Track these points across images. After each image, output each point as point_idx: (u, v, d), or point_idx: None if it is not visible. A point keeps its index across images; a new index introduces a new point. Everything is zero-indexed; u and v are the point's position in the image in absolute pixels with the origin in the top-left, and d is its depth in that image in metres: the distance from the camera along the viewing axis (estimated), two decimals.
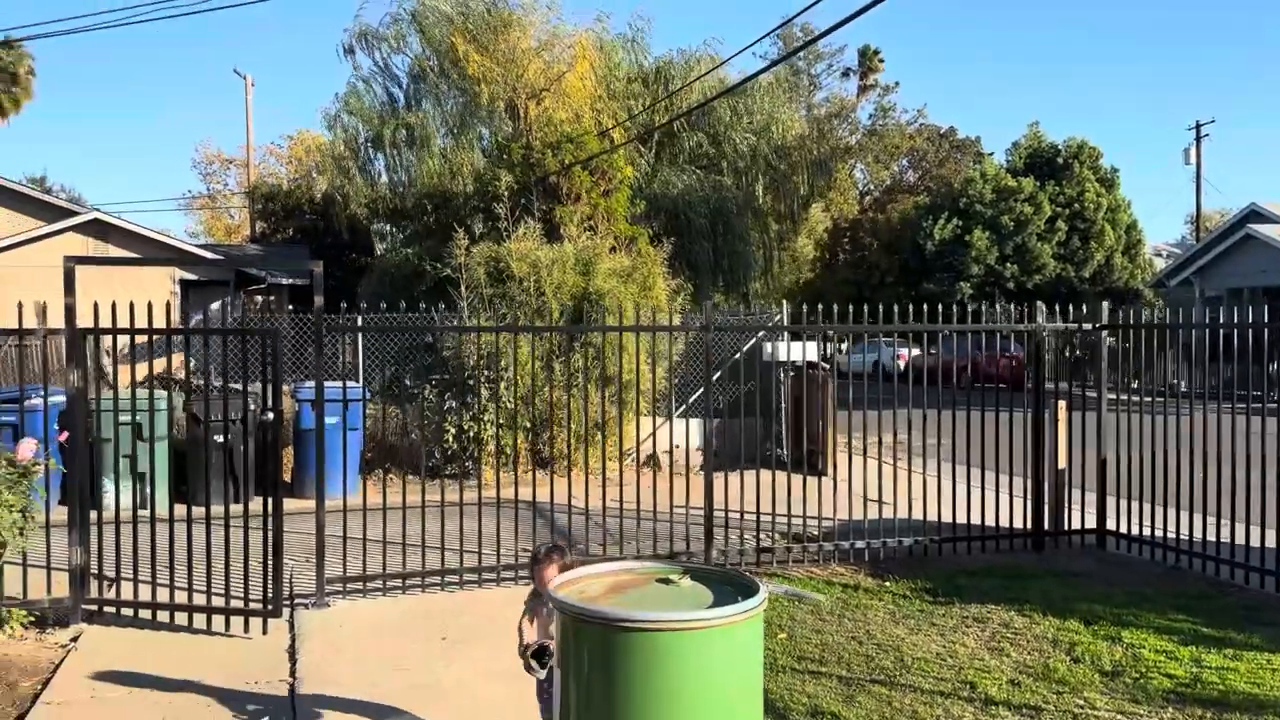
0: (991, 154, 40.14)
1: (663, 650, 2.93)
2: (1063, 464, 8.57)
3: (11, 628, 5.97)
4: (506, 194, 15.27)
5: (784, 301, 8.74)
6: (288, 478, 10.84)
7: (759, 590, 3.17)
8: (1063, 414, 8.57)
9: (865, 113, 44.82)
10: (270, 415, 6.09)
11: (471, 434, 11.48)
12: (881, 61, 49.24)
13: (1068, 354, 8.93)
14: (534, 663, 3.69)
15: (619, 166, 18.27)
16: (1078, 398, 8.95)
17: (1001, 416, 8.34)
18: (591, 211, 16.79)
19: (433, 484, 10.37)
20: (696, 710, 2.97)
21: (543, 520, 8.74)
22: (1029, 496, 8.50)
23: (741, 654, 3.07)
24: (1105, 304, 8.90)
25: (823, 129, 30.80)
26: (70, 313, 6.10)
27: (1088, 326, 8.73)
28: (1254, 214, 28.98)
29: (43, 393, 8.55)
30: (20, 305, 6.14)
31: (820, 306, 8.18)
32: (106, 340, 6.39)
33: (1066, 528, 8.52)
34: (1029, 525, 8.46)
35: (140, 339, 6.26)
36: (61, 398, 9.30)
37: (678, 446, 12.65)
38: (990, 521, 8.39)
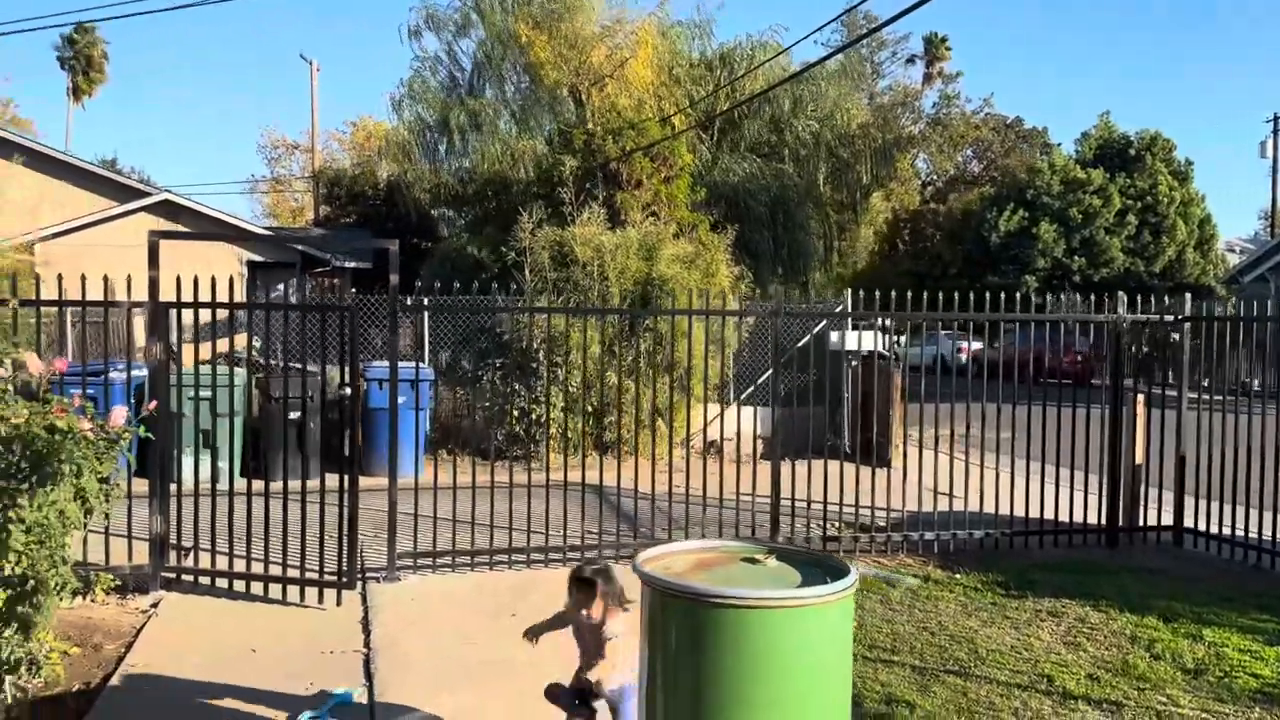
0: (1059, 145, 39.30)
1: (754, 628, 2.91)
2: (1140, 459, 8.36)
3: (94, 593, 6.13)
4: (571, 178, 15.28)
5: (846, 290, 8.61)
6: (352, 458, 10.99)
7: (850, 571, 3.13)
8: (1140, 408, 8.36)
9: (929, 101, 44.18)
10: (348, 390, 6.16)
11: (534, 417, 11.54)
12: (948, 49, 48.51)
13: (1138, 349, 8.66)
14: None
15: (680, 153, 18.20)
16: (1151, 394, 8.72)
17: (1071, 412, 8.16)
18: (652, 198, 16.75)
19: (496, 466, 10.43)
20: (786, 690, 2.94)
21: (605, 505, 8.76)
22: (1104, 492, 8.33)
23: (833, 635, 3.03)
24: (1188, 296, 8.65)
25: (886, 117, 30.36)
26: (154, 285, 6.23)
27: (1169, 318, 8.49)
28: None
29: (120, 366, 8.77)
30: (106, 279, 6.27)
31: (893, 294, 8.05)
32: (184, 316, 6.52)
33: (1142, 524, 8.32)
34: (1103, 521, 8.28)
35: (219, 314, 6.38)
36: (139, 371, 9.53)
37: (737, 434, 12.62)
38: (1062, 517, 8.22)
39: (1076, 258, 31.47)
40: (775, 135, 22.26)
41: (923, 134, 41.12)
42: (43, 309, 6.26)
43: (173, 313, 6.33)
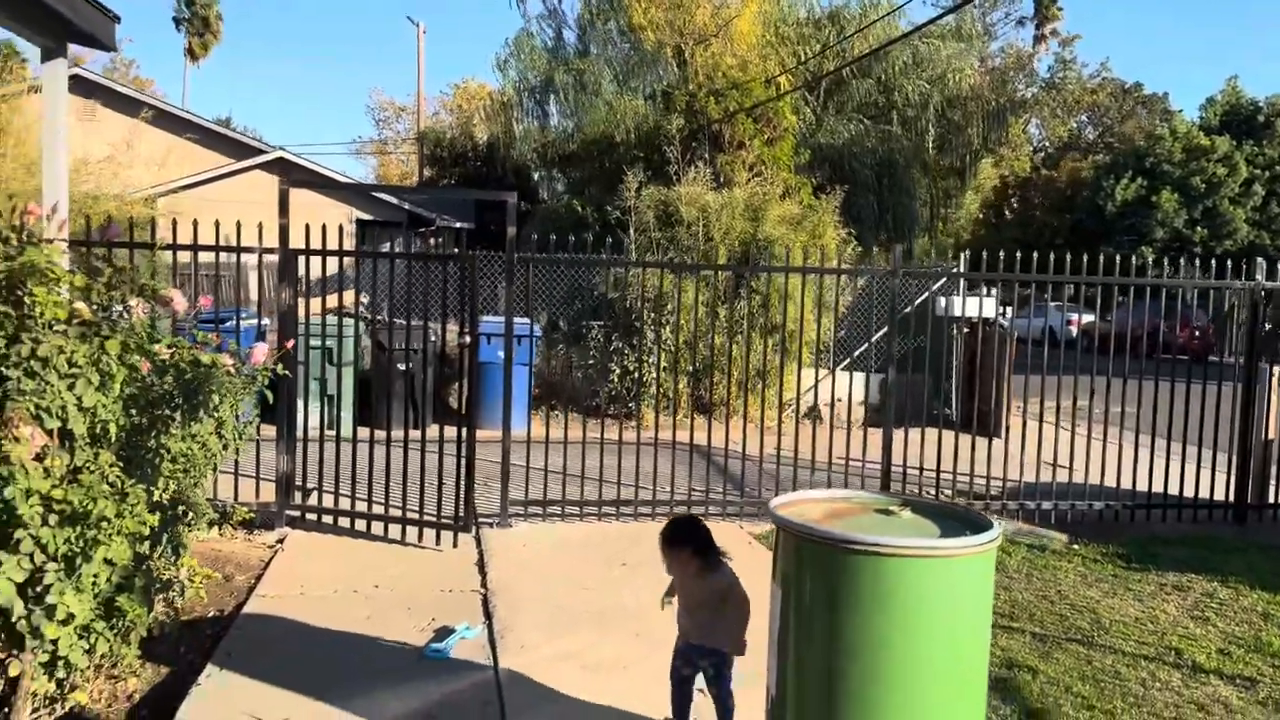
0: (1180, 111, 37.53)
1: (896, 577, 2.86)
2: (1273, 434, 7.98)
3: (226, 527, 6.40)
4: (677, 137, 15.18)
5: (961, 254, 8.34)
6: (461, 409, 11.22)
7: (993, 525, 3.05)
8: (1276, 382, 7.96)
9: (1043, 65, 42.59)
10: (467, 339, 6.26)
11: (635, 376, 11.58)
12: (1059, 10, 46.53)
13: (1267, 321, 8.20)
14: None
15: (784, 114, 17.91)
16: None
17: (1186, 388, 7.84)
18: (755, 160, 16.54)
19: (595, 422, 10.53)
20: (925, 642, 2.89)
21: (708, 465, 8.76)
22: (1232, 467, 7.98)
23: (975, 588, 2.97)
24: None
25: (999, 80, 29.35)
26: (284, 233, 6.41)
27: None
28: None
29: (244, 314, 9.08)
30: (239, 225, 6.47)
31: (1017, 254, 7.80)
32: (307, 266, 6.69)
33: (1273, 501, 7.96)
34: (1230, 497, 7.95)
35: (333, 267, 6.54)
36: (253, 321, 9.87)
37: (840, 400, 12.45)
38: (1186, 493, 7.91)
39: (1198, 229, 30.08)
40: (883, 96, 21.72)
41: (1035, 98, 39.70)
42: (171, 254, 6.52)
43: (300, 259, 6.50)
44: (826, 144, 20.25)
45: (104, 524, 3.14)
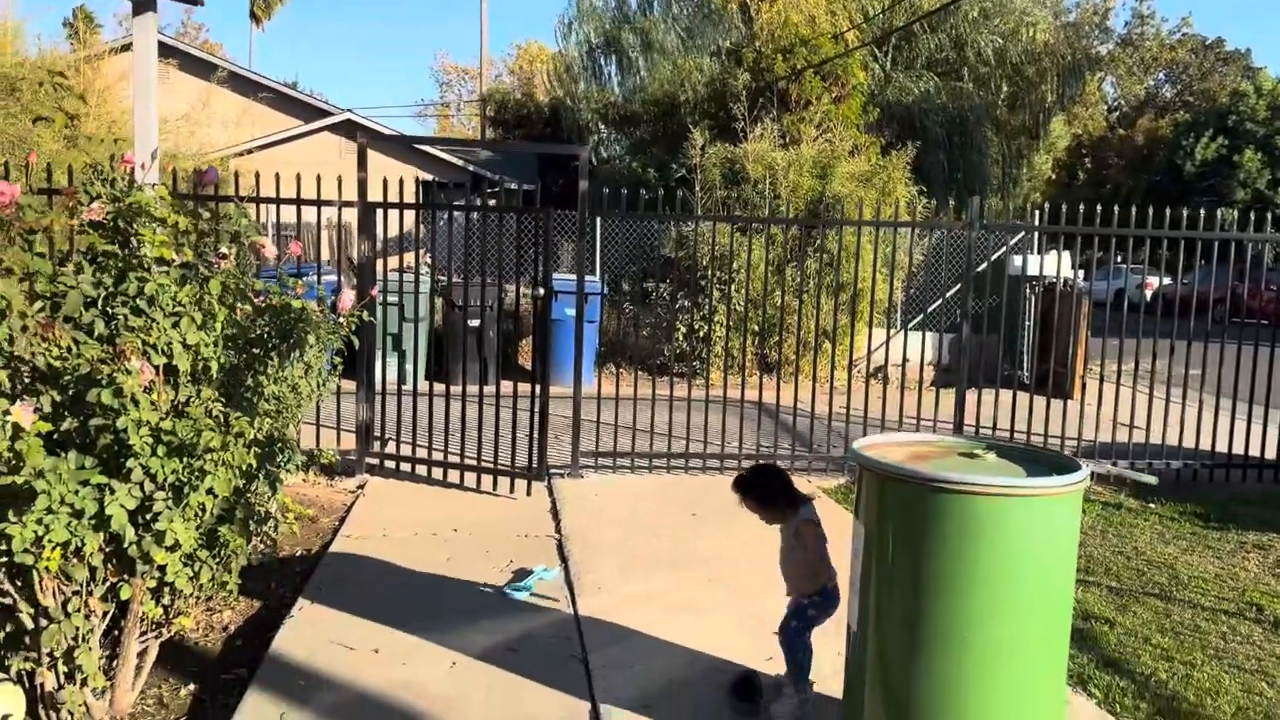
0: (1264, 68, 36.08)
1: (984, 516, 2.87)
2: None
3: (311, 473, 6.60)
4: (744, 93, 15.03)
5: (1040, 207, 8.17)
6: (529, 365, 11.37)
7: (1080, 467, 3.04)
8: None
9: (1119, 21, 41.21)
10: (541, 291, 6.33)
11: (700, 334, 11.60)
12: None
13: None
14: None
15: (853, 71, 17.61)
16: None
17: (1271, 351, 7.63)
18: (822, 119, 16.33)
19: (661, 380, 10.60)
20: (1012, 582, 2.90)
21: (775, 422, 8.79)
22: None
23: (1062, 528, 2.98)
24: None
25: (1072, 35, 28.44)
26: (363, 186, 6.53)
27: None
28: None
29: (327, 270, 9.27)
30: (319, 178, 6.60)
31: (1097, 207, 7.63)
32: (385, 218, 6.80)
33: None
34: None
35: (409, 223, 6.64)
36: (330, 276, 10.07)
37: (909, 360, 12.33)
38: (1268, 454, 7.73)
39: None
40: (954, 51, 21.23)
41: (1111, 55, 38.44)
42: (255, 209, 6.68)
43: (379, 212, 6.62)
44: (895, 101, 19.90)
45: (209, 455, 3.27)
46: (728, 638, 4.17)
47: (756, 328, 10.75)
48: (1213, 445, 7.80)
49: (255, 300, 4.08)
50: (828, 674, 3.63)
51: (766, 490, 3.61)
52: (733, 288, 11.07)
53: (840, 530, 3.59)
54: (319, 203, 6.59)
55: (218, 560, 3.60)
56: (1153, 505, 6.94)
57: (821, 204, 12.43)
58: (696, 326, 11.63)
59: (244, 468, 3.56)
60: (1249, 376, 7.61)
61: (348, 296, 4.45)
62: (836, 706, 3.44)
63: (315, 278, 7.07)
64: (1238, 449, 7.75)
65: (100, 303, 3.30)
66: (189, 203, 5.76)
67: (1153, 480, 6.51)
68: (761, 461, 7.11)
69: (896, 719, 3.00)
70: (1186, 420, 7.84)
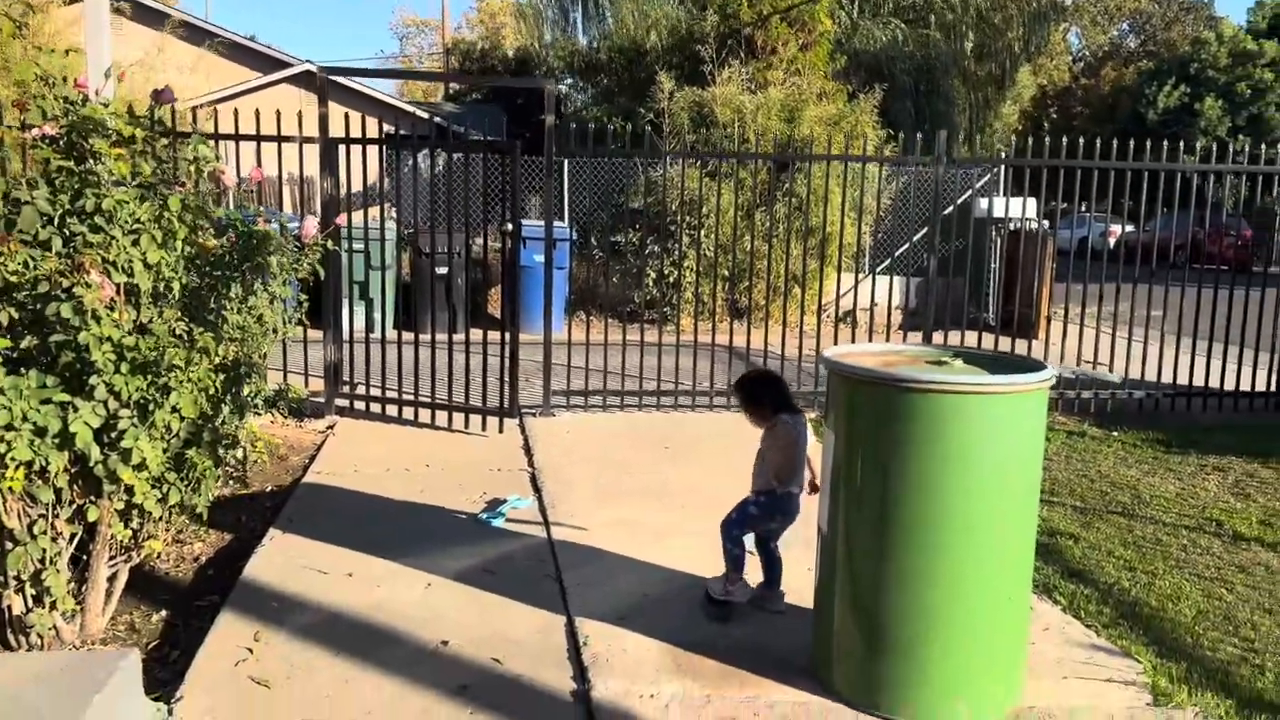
0: (1226, 17, 36.27)
1: (950, 413, 2.90)
2: None
3: (276, 414, 6.54)
4: (711, 35, 14.87)
5: (1003, 149, 8.22)
6: (498, 315, 11.31)
7: (1045, 367, 3.08)
8: None
9: None
10: (510, 226, 6.28)
11: (670, 280, 11.57)
12: None
13: None
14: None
15: (819, 18, 17.48)
16: None
17: (1229, 293, 7.77)
18: (789, 66, 16.22)
19: (631, 327, 10.58)
20: (978, 478, 2.94)
21: (744, 365, 8.79)
22: (1275, 356, 7.92)
23: (1028, 425, 3.01)
24: None
25: None
26: (324, 121, 6.43)
27: None
28: None
29: (290, 217, 9.13)
30: (278, 113, 6.49)
31: (1063, 139, 7.65)
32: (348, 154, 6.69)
33: None
34: (1273, 387, 7.90)
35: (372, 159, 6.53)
36: (294, 224, 9.92)
37: (877, 304, 12.40)
38: (1227, 385, 7.87)
39: (1241, 137, 29.25)
40: None
41: (1076, 4, 38.45)
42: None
43: (340, 149, 6.51)
44: (862, 49, 19.79)
45: (174, 372, 3.23)
46: (700, 557, 4.20)
47: (726, 273, 10.74)
48: (1174, 377, 7.92)
49: (216, 225, 4.02)
50: (800, 587, 3.67)
51: (757, 390, 3.66)
52: (702, 233, 11.04)
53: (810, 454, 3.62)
54: (279, 139, 6.48)
55: (187, 483, 3.57)
56: (1116, 433, 7.05)
57: (790, 146, 12.40)
58: (666, 272, 11.60)
59: (210, 390, 3.52)
60: (1212, 316, 7.72)
61: (311, 224, 4.40)
62: (809, 617, 3.48)
63: (281, 216, 6.99)
64: (1198, 381, 7.88)
65: (57, 221, 3.23)
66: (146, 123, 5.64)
67: (1116, 379, 6.62)
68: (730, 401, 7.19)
69: (865, 620, 3.05)
70: (1149, 356, 7.97)
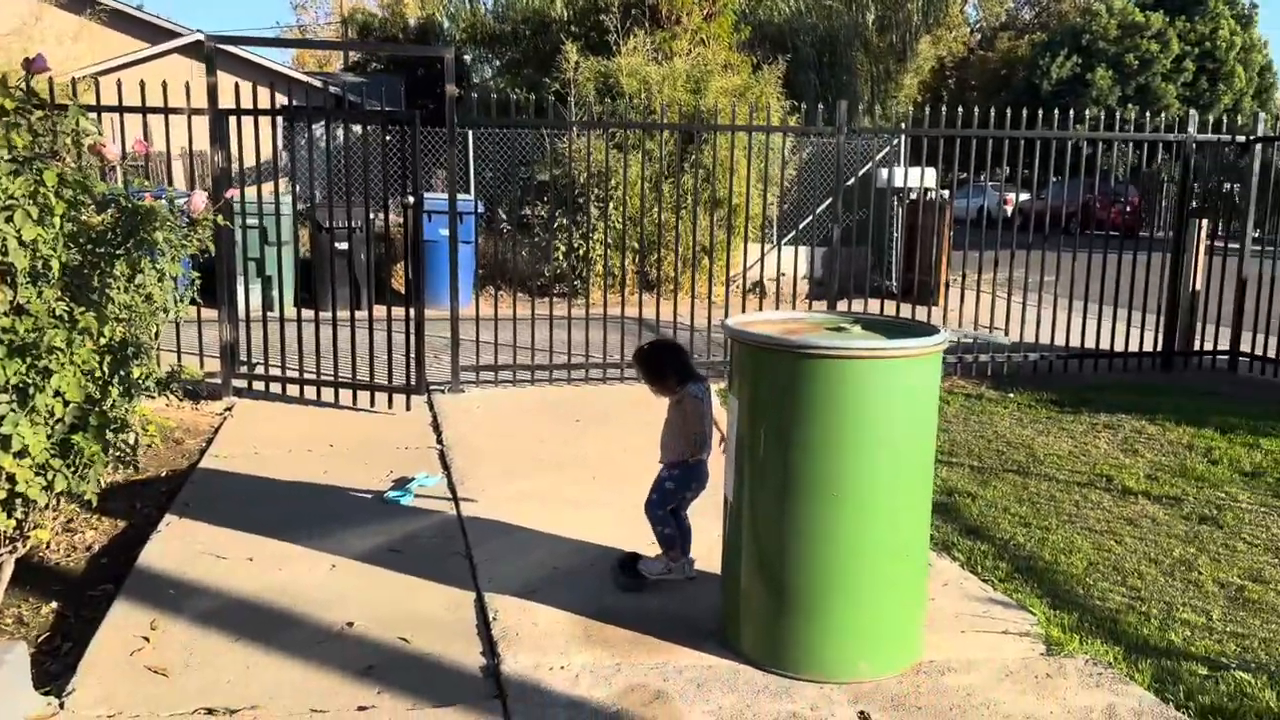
0: None
1: (849, 377, 2.95)
2: (1198, 286, 8.26)
3: (170, 396, 6.32)
4: (616, 3, 14.76)
5: (903, 120, 8.39)
6: (404, 291, 11.11)
7: (938, 331, 3.15)
8: (1203, 234, 8.21)
9: None
10: (411, 199, 6.15)
11: (580, 253, 11.53)
12: None
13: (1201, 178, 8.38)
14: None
15: None
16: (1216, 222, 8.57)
17: (1119, 257, 8.10)
18: (694, 35, 16.22)
19: (542, 301, 10.51)
20: (876, 438, 3.00)
21: (655, 335, 8.82)
22: (1162, 314, 8.29)
23: (923, 386, 3.08)
24: (1260, 115, 8.36)
25: None
26: (212, 91, 6.19)
27: (1241, 139, 8.23)
28: None
29: (179, 194, 8.80)
30: (165, 84, 6.23)
31: (959, 109, 7.82)
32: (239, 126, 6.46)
33: (1198, 349, 8.30)
34: (1159, 347, 8.26)
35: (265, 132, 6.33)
36: (182, 201, 9.57)
37: (784, 274, 12.56)
38: (1117, 347, 8.21)
39: (1130, 106, 30.38)
40: None
41: None
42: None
43: (231, 120, 6.29)
44: (766, 20, 19.93)
45: (55, 355, 3.09)
46: (611, 528, 4.21)
47: (636, 245, 10.73)
48: (1066, 340, 8.22)
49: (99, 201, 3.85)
50: (706, 553, 3.70)
51: (658, 360, 3.65)
52: (611, 205, 11.00)
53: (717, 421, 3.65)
54: (165, 110, 6.22)
55: (73, 470, 3.42)
56: (1012, 395, 7.29)
57: (697, 117, 12.42)
58: (576, 245, 11.54)
59: (95, 372, 3.38)
60: (1102, 280, 8.02)
61: (199, 198, 4.25)
62: (719, 582, 3.52)
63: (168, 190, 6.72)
64: (1089, 343, 8.19)
65: None
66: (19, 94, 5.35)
67: (1006, 340, 6.84)
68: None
69: (770, 582, 3.10)
70: (1043, 320, 8.24)
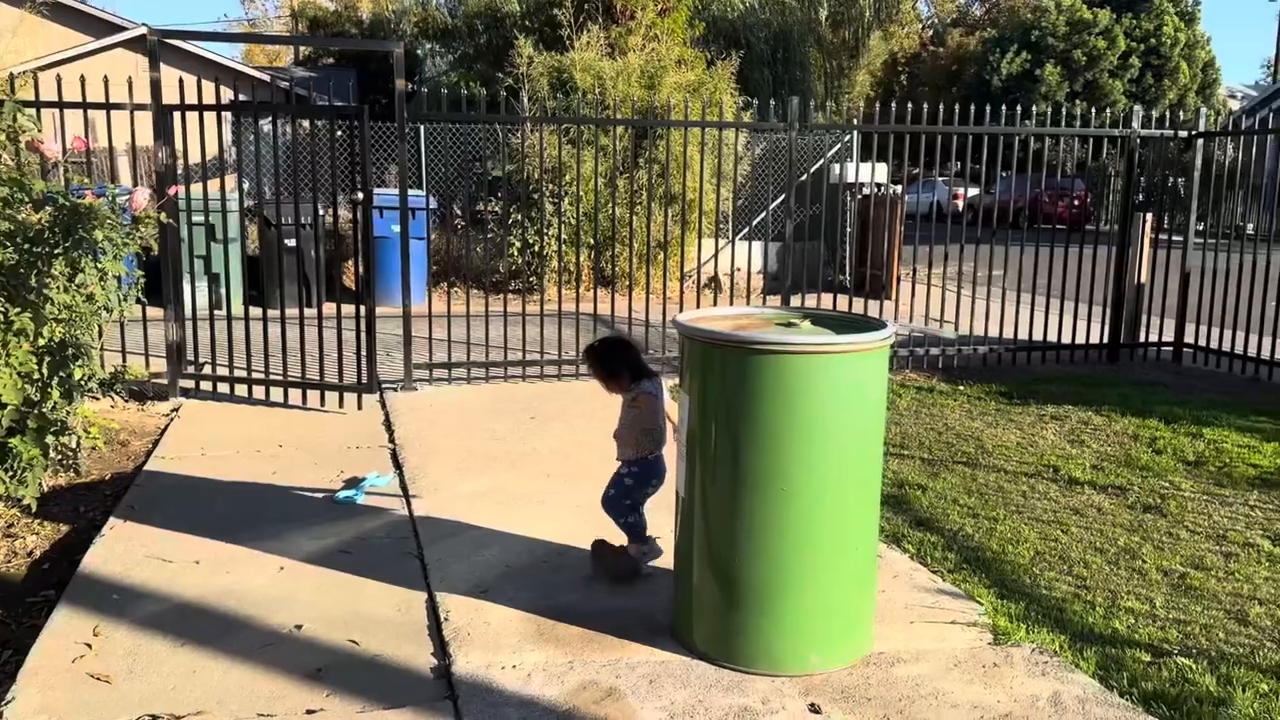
0: None
1: (798, 372, 2.97)
2: (1143, 279, 8.43)
3: (115, 397, 6.20)
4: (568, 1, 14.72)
5: (854, 116, 8.49)
6: (354, 286, 10.98)
7: (886, 325, 3.18)
8: (1148, 228, 8.37)
9: None
10: (361, 195, 6.08)
11: (535, 249, 11.48)
12: None
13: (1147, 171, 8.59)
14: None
15: None
16: (1160, 215, 8.74)
17: (1065, 251, 8.26)
18: (647, 32, 16.23)
19: (496, 297, 10.47)
20: (825, 433, 3.02)
21: (610, 331, 8.82)
22: (1108, 307, 8.45)
23: (872, 380, 3.10)
24: (1202, 111, 8.54)
25: None
26: (156, 86, 6.07)
27: (1184, 134, 8.40)
28: None
29: (122, 191, 8.63)
30: (106, 79, 6.10)
31: (908, 105, 7.90)
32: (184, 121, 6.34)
33: (1143, 341, 8.47)
34: (1105, 339, 8.42)
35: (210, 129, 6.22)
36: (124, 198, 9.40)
37: (739, 269, 12.62)
38: (1064, 339, 8.35)
39: (1078, 101, 30.89)
40: None
41: None
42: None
43: (176, 116, 6.17)
44: (720, 16, 19.96)
45: None
46: (565, 524, 4.20)
47: (592, 241, 10.70)
48: (1015, 333, 8.35)
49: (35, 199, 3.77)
50: (664, 549, 3.71)
51: (610, 357, 3.65)
52: (565, 201, 10.96)
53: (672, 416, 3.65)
54: (108, 106, 6.09)
55: (11, 474, 3.35)
56: (962, 388, 7.38)
57: (651, 113, 12.42)
58: (530, 241, 11.50)
59: (33, 374, 3.31)
60: (1049, 274, 8.16)
61: (141, 195, 4.17)
62: (671, 576, 3.53)
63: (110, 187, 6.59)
64: (1036, 335, 8.33)
65: None
66: None
67: (953, 337, 6.92)
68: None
69: (721, 576, 3.11)
70: (992, 313, 8.37)
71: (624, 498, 3.66)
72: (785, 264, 8.18)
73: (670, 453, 3.50)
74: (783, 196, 10.77)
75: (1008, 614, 3.56)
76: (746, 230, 13.04)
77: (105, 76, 6.09)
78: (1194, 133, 8.32)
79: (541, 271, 11.26)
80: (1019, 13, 36.84)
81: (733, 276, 10.98)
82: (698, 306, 8.19)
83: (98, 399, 5.77)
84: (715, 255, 12.28)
